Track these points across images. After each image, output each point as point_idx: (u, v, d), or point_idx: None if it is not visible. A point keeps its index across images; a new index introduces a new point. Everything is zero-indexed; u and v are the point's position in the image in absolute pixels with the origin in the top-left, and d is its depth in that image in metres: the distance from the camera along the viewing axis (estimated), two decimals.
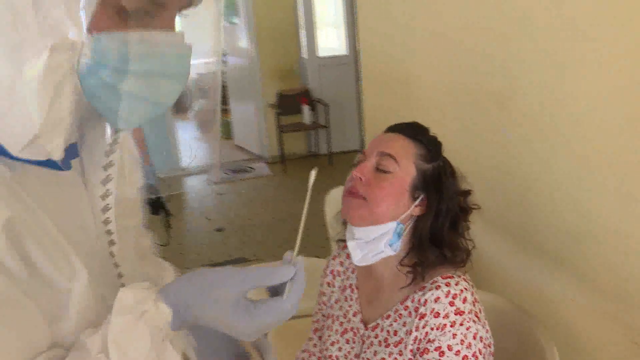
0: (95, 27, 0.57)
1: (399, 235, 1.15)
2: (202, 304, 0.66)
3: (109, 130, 0.73)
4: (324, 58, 6.01)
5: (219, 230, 4.38)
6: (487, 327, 1.13)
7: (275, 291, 0.70)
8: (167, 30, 0.63)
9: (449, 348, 1.07)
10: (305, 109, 5.79)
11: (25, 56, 0.55)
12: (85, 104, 0.62)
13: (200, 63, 5.31)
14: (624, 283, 1.21)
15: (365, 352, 1.19)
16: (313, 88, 6.01)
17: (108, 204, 0.74)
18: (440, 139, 1.24)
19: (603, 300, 1.28)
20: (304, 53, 6.09)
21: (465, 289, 1.13)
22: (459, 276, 1.14)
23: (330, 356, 1.24)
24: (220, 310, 0.66)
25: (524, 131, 1.47)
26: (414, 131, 1.23)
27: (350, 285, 1.29)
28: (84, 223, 0.72)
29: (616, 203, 1.21)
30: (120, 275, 0.76)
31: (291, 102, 5.91)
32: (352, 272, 1.31)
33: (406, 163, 1.17)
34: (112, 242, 0.75)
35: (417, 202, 1.15)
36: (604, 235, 1.26)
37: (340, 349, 1.24)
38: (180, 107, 6.86)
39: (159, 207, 3.33)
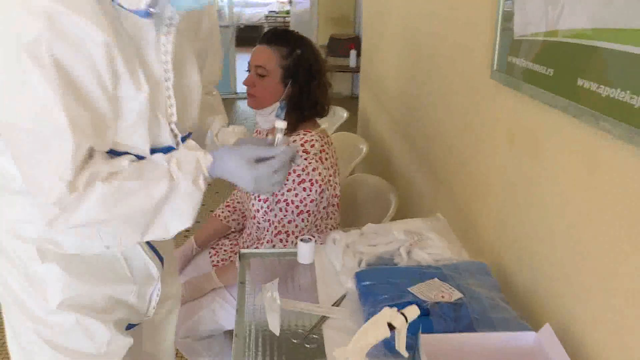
0: None
1: (282, 109, 1.75)
2: (229, 158, 1.07)
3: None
4: None
5: None
6: (331, 170, 1.75)
7: None
8: None
9: (294, 171, 1.64)
10: (353, 53, 6.29)
11: None
12: None
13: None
14: (458, 180, 1.78)
15: None
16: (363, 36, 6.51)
17: (167, 50, 1.03)
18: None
19: (444, 188, 1.86)
20: (360, 3, 6.53)
21: (316, 140, 1.74)
22: (317, 133, 1.77)
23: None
24: (238, 162, 1.07)
25: (432, 112, 2.02)
26: (272, 38, 1.76)
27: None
28: (151, 60, 1.01)
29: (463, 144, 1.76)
30: (172, 105, 1.08)
31: (341, 46, 6.43)
32: (262, 133, 1.97)
33: (272, 66, 1.73)
34: (167, 78, 1.05)
35: (287, 87, 1.72)
36: (450, 160, 1.82)
37: None
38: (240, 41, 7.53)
39: None
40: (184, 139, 1.17)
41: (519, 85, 1.20)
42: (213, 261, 2.07)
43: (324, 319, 1.20)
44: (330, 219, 1.89)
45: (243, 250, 1.49)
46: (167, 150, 1.11)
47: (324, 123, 1.93)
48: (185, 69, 1.15)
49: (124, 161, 1.00)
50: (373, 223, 2.12)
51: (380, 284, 1.23)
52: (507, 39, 1.25)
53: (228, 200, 2.19)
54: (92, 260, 1.16)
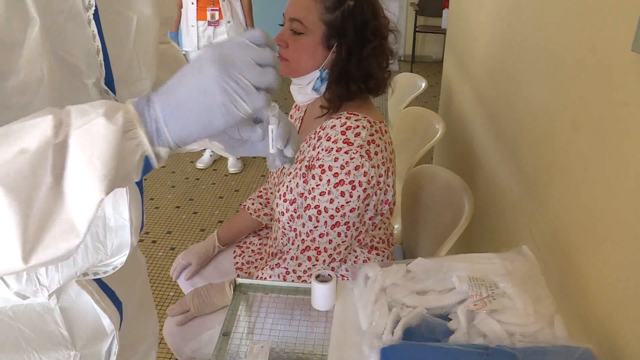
0: None
1: (322, 80, 1.32)
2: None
3: None
4: None
5: None
6: (382, 169, 1.30)
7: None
8: None
9: (330, 168, 1.25)
10: (445, 13, 5.62)
11: None
12: None
13: None
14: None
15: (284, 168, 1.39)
16: None
17: None
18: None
19: (539, 205, 1.34)
20: None
21: (363, 126, 1.28)
22: (364, 117, 1.30)
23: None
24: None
25: (532, 94, 1.48)
26: None
27: (297, 119, 1.54)
28: None
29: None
30: (98, 51, 0.70)
31: (433, 4, 5.78)
32: (300, 109, 1.56)
33: (312, 21, 1.29)
34: (89, 6, 0.67)
35: (332, 50, 1.30)
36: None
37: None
38: None
39: None
40: None
41: None
42: (237, 262, 1.69)
43: None
44: (379, 229, 1.44)
45: (240, 280, 1.08)
46: None
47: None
48: None
49: None
50: (436, 235, 1.66)
51: None
52: None
53: (261, 188, 1.79)
54: (4, 321, 0.76)
